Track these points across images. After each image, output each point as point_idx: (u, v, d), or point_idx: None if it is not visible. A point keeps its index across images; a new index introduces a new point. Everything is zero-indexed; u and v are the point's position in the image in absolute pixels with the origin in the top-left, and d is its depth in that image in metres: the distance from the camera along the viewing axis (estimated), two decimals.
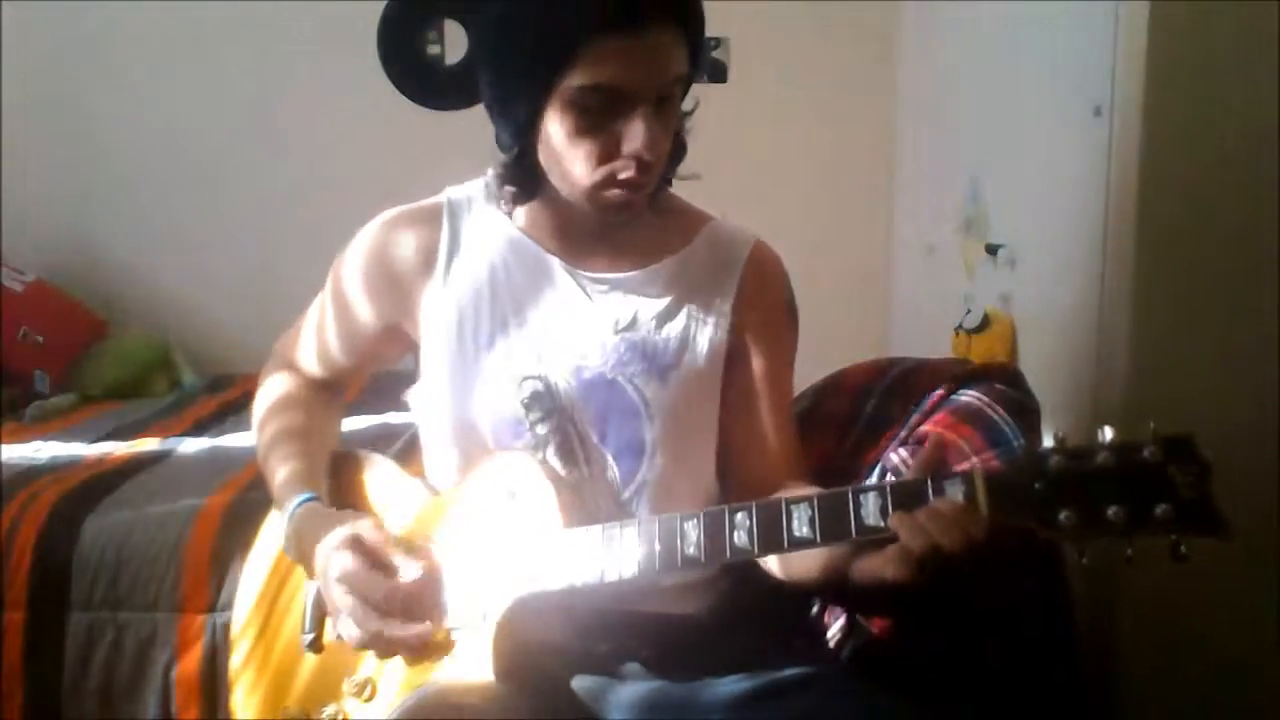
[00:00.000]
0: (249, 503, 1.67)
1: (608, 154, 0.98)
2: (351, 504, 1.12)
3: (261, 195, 2.91)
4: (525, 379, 1.07)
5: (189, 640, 1.57)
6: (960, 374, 1.42)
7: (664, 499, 1.08)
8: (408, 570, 0.98)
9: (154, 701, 1.56)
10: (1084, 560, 0.81)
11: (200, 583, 1.59)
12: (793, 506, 0.89)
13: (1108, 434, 0.80)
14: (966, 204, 2.29)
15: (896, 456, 1.35)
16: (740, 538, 0.90)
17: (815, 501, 0.89)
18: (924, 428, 1.36)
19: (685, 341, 1.09)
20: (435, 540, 1.04)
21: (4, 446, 2.06)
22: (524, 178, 1.05)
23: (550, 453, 1.06)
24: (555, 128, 0.98)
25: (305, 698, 1.07)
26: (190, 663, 1.56)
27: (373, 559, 0.99)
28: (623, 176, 0.99)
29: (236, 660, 1.16)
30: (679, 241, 1.13)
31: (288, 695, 1.08)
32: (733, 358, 1.12)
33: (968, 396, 1.38)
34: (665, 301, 1.10)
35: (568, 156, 0.99)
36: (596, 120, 0.96)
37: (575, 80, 0.94)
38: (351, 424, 1.28)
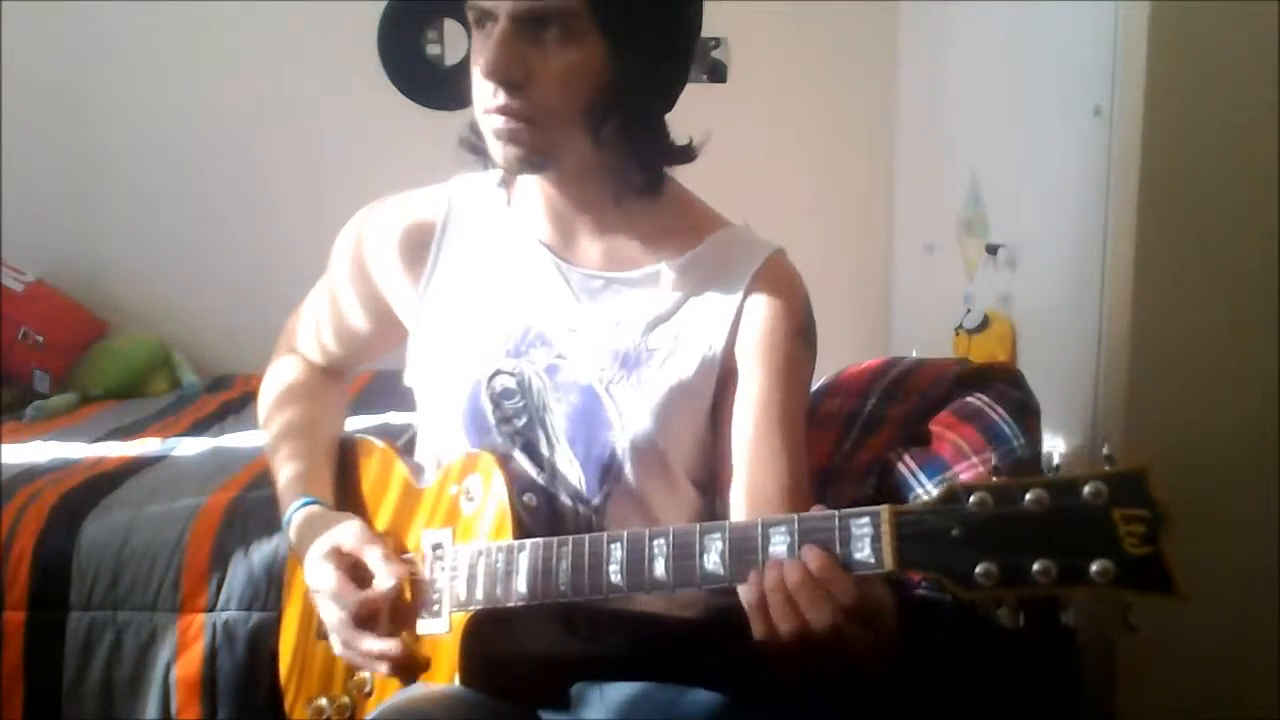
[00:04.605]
0: (249, 503, 1.68)
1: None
2: (353, 493, 1.11)
3: (262, 195, 2.91)
4: (498, 373, 1.04)
5: (189, 640, 1.57)
6: (960, 374, 1.42)
7: (632, 511, 1.03)
8: (382, 580, 0.97)
9: (154, 701, 1.56)
10: (1018, 623, 0.70)
11: (200, 583, 1.59)
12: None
13: (1055, 459, 0.72)
14: (966, 204, 2.29)
15: (896, 456, 1.35)
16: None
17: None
18: (924, 427, 1.36)
19: (673, 354, 1.02)
20: (410, 536, 1.03)
21: (4, 446, 2.05)
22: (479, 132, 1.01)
23: (516, 453, 1.04)
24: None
25: (331, 686, 1.07)
26: (190, 663, 1.56)
27: (352, 568, 0.99)
28: (484, 106, 0.94)
29: (284, 659, 1.14)
30: (684, 244, 1.04)
31: (328, 683, 1.08)
32: (726, 377, 1.03)
33: (968, 396, 1.38)
34: (659, 308, 1.03)
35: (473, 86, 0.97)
36: (483, 43, 0.93)
37: None
38: (352, 424, 1.28)
